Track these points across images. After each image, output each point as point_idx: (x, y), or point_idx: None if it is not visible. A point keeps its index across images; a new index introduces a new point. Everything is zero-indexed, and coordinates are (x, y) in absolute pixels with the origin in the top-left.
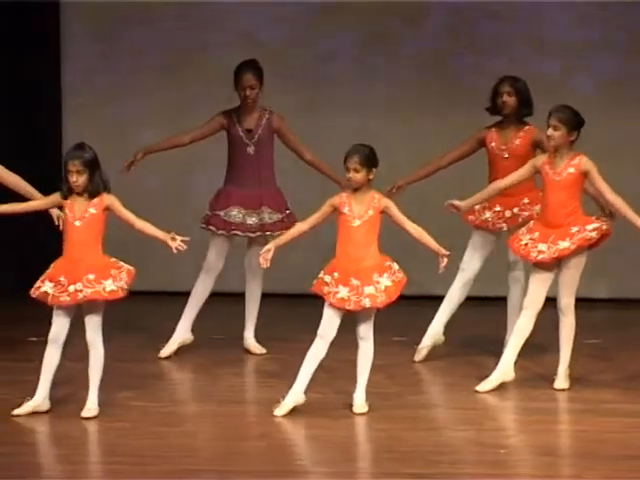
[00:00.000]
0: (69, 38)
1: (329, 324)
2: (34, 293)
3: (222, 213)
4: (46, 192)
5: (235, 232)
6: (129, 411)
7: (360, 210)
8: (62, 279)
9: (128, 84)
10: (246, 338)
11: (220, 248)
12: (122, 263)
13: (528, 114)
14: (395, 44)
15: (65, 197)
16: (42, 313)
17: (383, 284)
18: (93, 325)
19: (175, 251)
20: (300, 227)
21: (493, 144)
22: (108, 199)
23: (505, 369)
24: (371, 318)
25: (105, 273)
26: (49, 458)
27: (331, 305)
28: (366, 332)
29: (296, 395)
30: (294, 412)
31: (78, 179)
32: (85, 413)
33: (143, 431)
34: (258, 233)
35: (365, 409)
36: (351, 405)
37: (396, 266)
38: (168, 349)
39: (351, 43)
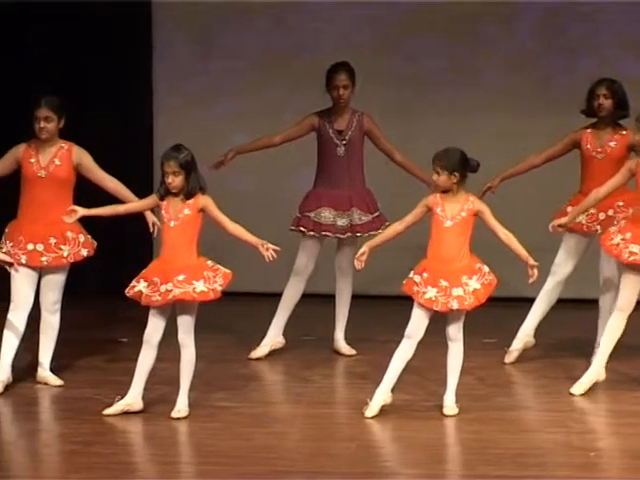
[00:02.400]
0: (161, 39)
1: (417, 325)
2: (128, 292)
3: (312, 214)
4: (137, 192)
5: (326, 233)
6: (220, 412)
7: (453, 211)
8: (155, 279)
9: (220, 85)
10: (336, 339)
11: (310, 250)
12: (219, 266)
13: (624, 116)
14: (486, 45)
15: (162, 198)
16: (135, 314)
17: (472, 286)
18: (185, 326)
19: (267, 260)
20: (395, 228)
21: (588, 146)
22: (203, 200)
23: (597, 370)
24: (461, 320)
25: (197, 274)
26: (141, 458)
27: (420, 305)
28: (456, 333)
29: (383, 395)
30: (383, 413)
31: (174, 180)
32: (175, 414)
33: (233, 432)
34: (348, 234)
35: (455, 411)
36: (441, 407)
37: (486, 269)
38: (259, 352)
39: (442, 44)
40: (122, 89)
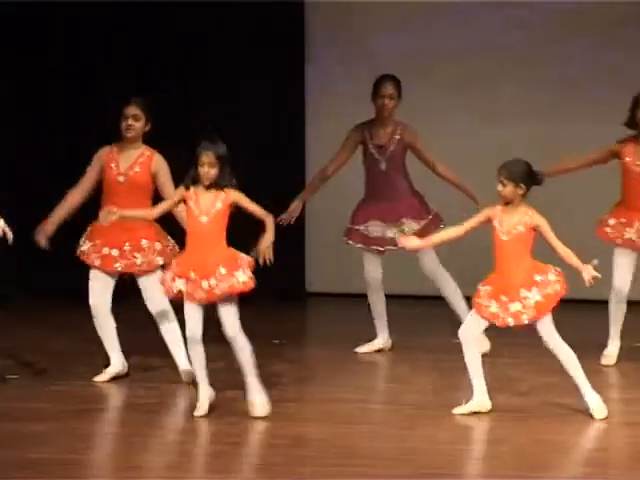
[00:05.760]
0: (313, 40)
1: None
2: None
3: (362, 227)
4: (287, 195)
5: (375, 247)
6: (371, 413)
7: (509, 225)
8: (193, 275)
9: (369, 90)
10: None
11: (371, 260)
12: (239, 252)
13: None
14: (631, 47)
15: (187, 188)
16: (292, 317)
17: (532, 299)
18: (232, 319)
19: None
20: (457, 230)
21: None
22: (234, 195)
23: None
24: (548, 326)
25: (234, 265)
26: (290, 459)
27: (483, 318)
28: (553, 341)
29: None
30: (525, 416)
31: (210, 171)
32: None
33: (383, 434)
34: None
35: (604, 413)
36: (575, 410)
37: (553, 277)
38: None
39: (587, 47)
40: (274, 91)
